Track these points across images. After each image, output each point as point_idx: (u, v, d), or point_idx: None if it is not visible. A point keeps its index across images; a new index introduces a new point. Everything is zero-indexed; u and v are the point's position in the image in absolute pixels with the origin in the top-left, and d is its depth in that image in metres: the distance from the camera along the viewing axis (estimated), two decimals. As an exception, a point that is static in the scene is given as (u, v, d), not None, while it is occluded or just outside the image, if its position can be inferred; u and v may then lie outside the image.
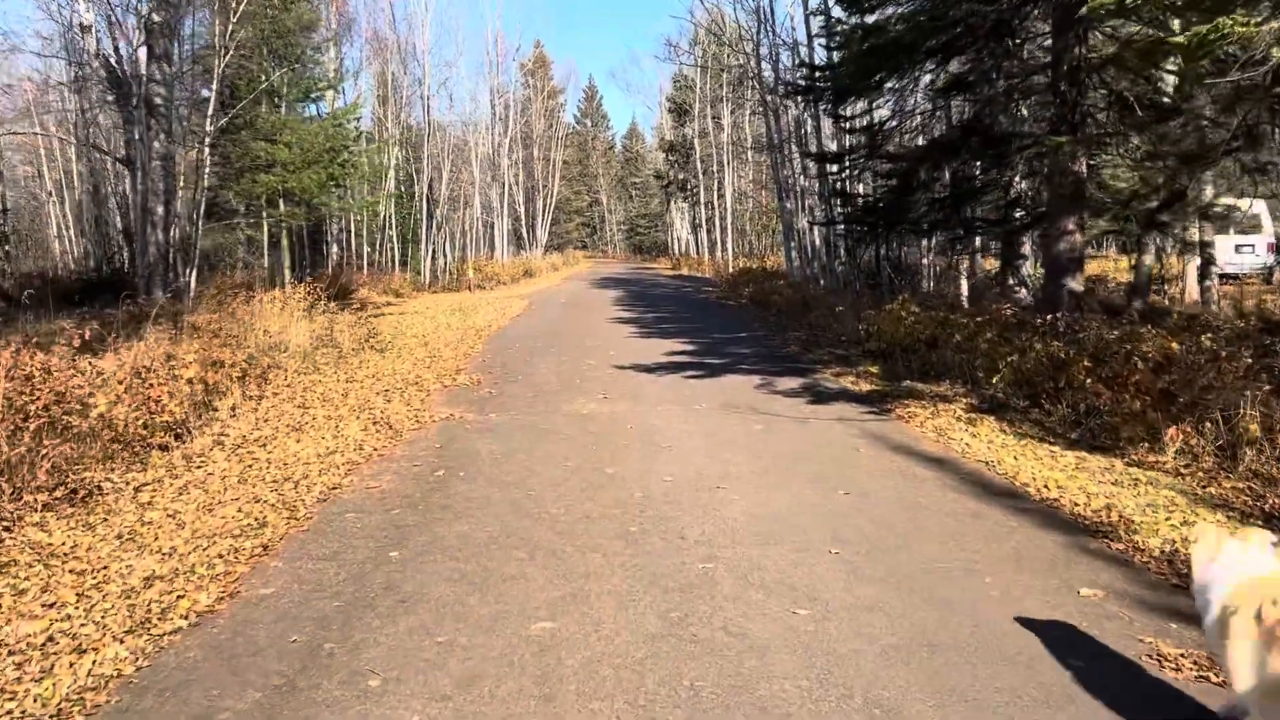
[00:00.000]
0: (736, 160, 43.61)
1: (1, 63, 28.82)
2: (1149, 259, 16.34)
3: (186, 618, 3.93)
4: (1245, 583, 2.80)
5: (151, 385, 7.56)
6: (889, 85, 14.08)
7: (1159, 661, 3.46)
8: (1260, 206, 21.22)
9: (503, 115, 44.67)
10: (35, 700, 3.20)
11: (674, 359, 12.36)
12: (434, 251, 32.73)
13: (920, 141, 15.97)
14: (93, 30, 15.59)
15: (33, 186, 35.93)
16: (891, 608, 3.97)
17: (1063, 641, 3.60)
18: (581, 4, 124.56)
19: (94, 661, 3.48)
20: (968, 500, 5.64)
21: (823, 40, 19.44)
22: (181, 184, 17.10)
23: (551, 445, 7.26)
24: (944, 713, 3.11)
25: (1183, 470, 6.14)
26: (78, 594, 4.16)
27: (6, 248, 25.31)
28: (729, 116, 40.88)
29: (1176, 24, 9.85)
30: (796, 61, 22.74)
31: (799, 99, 21.02)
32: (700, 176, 46.79)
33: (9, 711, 3.13)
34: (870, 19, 13.17)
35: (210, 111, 17.97)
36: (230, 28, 17.51)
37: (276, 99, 22.34)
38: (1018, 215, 14.37)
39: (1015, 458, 6.63)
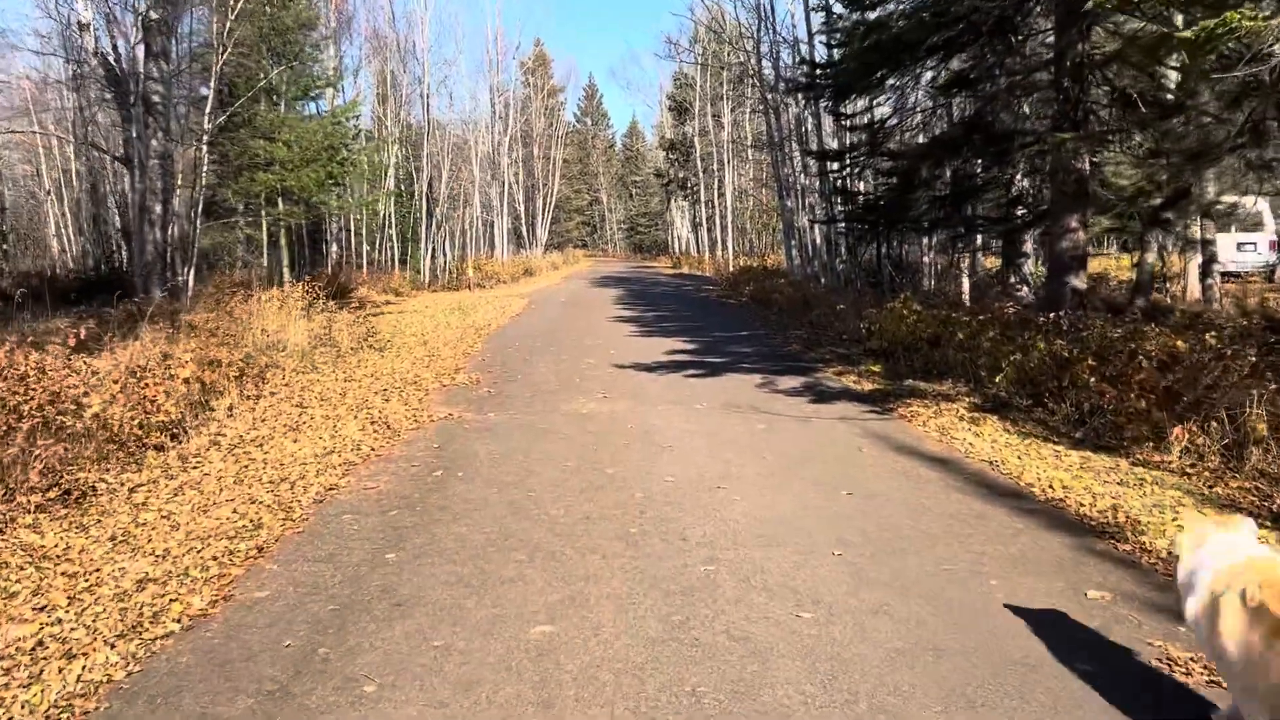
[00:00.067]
0: (737, 158, 43.55)
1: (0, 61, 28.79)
2: (1151, 257, 16.26)
3: (179, 621, 3.86)
4: (1231, 567, 2.85)
5: (147, 385, 7.49)
6: (890, 82, 14.04)
7: (1169, 665, 3.39)
8: (1262, 204, 21.15)
9: (502, 114, 44.58)
10: (23, 707, 3.13)
11: (674, 358, 12.29)
12: (433, 250, 32.65)
13: (921, 139, 15.92)
14: (91, 28, 15.51)
15: (31, 185, 35.88)
16: (896, 611, 3.91)
17: (1070, 644, 3.54)
18: (582, 2, 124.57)
19: (84, 667, 3.41)
20: (972, 501, 5.57)
21: (823, 38, 19.40)
22: (179, 182, 17.06)
23: (551, 445, 7.20)
24: (951, 718, 3.05)
25: (1188, 470, 6.08)
26: (69, 597, 4.09)
27: (4, 246, 25.29)
28: (729, 115, 40.83)
29: (1179, 20, 9.80)
30: (797, 59, 22.68)
31: (799, 96, 20.95)
32: (700, 175, 46.75)
33: (-4, 719, 3.07)
34: (872, 15, 13.11)
35: (209, 109, 17.91)
36: (229, 25, 17.44)
37: (275, 97, 22.27)
38: (1019, 213, 14.33)
39: (1019, 458, 6.57)
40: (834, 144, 20.87)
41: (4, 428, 5.65)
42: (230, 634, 3.77)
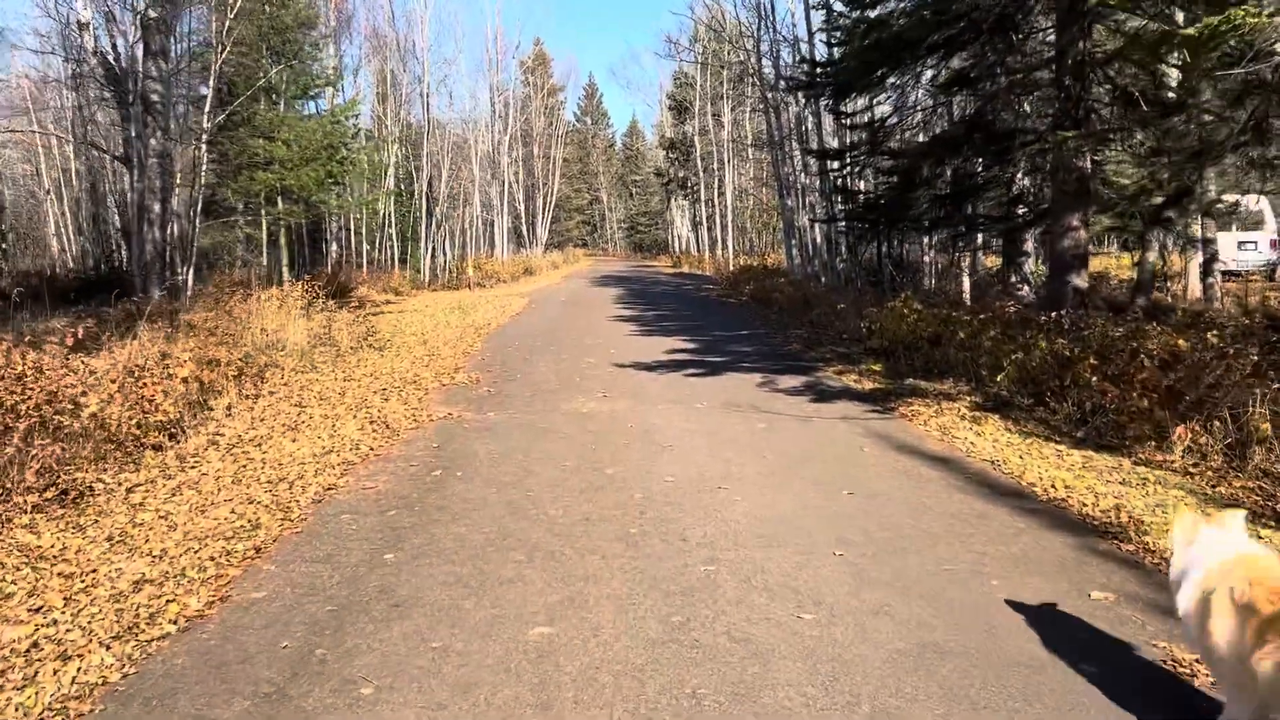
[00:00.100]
0: (737, 158, 43.52)
1: (-1, 60, 28.75)
2: (1152, 256, 16.23)
3: (175, 623, 3.83)
4: (1221, 564, 2.87)
5: (145, 384, 7.46)
6: (891, 81, 14.00)
7: (1173, 666, 3.36)
8: (1263, 203, 21.14)
9: (502, 113, 44.55)
10: (17, 709, 3.11)
11: (675, 357, 12.26)
12: (433, 249, 32.61)
13: (921, 138, 15.88)
14: (90, 27, 15.49)
15: (31, 184, 35.84)
16: (898, 612, 3.87)
17: (1074, 646, 3.51)
18: (581, 1, 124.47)
19: (79, 669, 3.39)
20: (974, 501, 5.54)
21: (823, 36, 19.38)
22: (179, 181, 17.02)
23: (550, 445, 7.17)
24: (954, 722, 3.02)
25: (1191, 469, 6.05)
26: (65, 598, 4.06)
27: (3, 246, 25.24)
28: (729, 114, 40.80)
29: (1181, 17, 9.77)
30: (797, 58, 22.64)
31: (800, 95, 20.92)
32: (700, 174, 46.71)
33: (-10, 721, 3.04)
34: (873, 13, 13.07)
35: (208, 108, 17.89)
36: (228, 24, 17.41)
37: (274, 96, 22.25)
38: (1020, 212, 14.28)
39: (1021, 457, 6.54)
40: (834, 143, 20.84)
41: (1, 427, 5.62)
42: (227, 635, 3.74)
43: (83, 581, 4.27)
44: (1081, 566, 4.38)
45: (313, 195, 21.56)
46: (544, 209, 53.65)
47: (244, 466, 6.47)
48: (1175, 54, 8.76)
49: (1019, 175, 14.35)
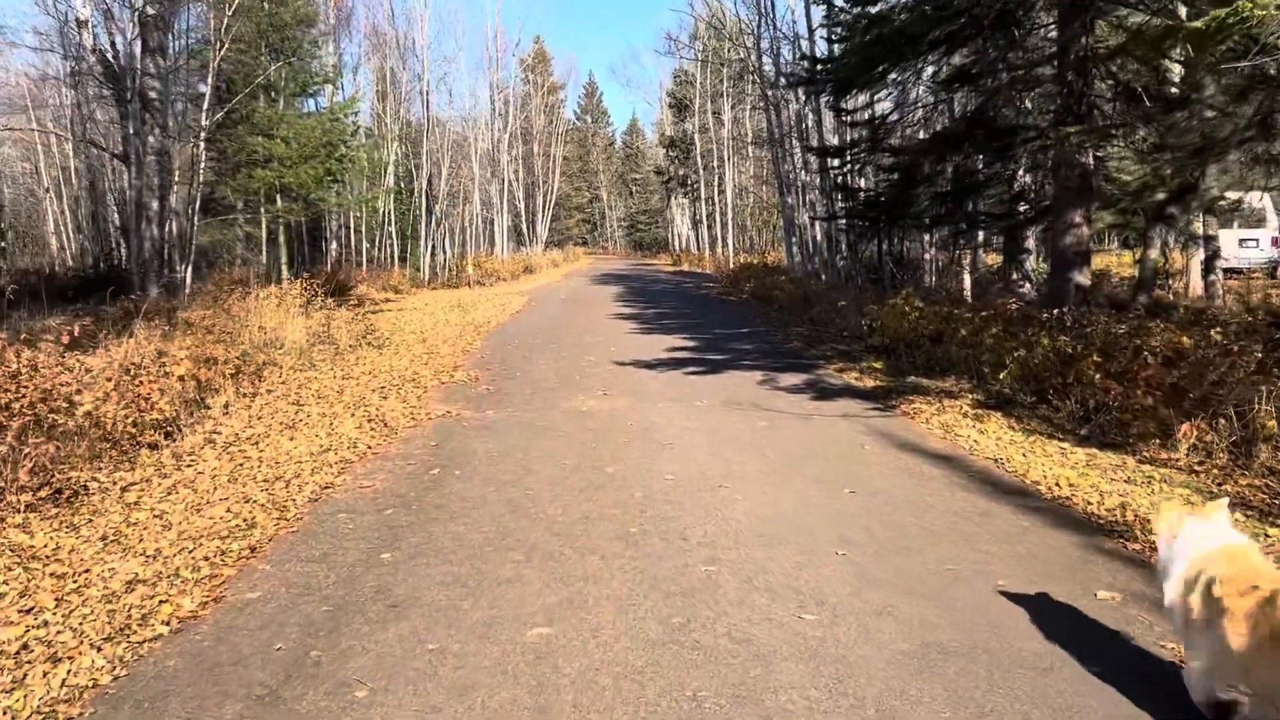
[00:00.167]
0: (737, 155, 43.42)
1: (-3, 59, 28.68)
2: (1154, 253, 16.17)
3: (168, 624, 3.78)
4: (1204, 555, 2.94)
5: (141, 382, 7.40)
6: (892, 77, 13.92)
7: (1184, 666, 3.30)
8: (1265, 200, 21.07)
9: (502, 111, 44.45)
10: (5, 713, 3.05)
11: (675, 355, 12.20)
12: (433, 248, 32.53)
13: (922, 135, 15.81)
14: (89, 24, 15.43)
15: (30, 183, 35.78)
16: (901, 612, 3.82)
17: (1081, 646, 3.45)
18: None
19: (69, 671, 3.33)
20: (977, 499, 5.49)
21: (824, 33, 19.29)
22: (177, 179, 16.95)
23: (550, 443, 7.11)
24: (960, 725, 2.96)
25: (1196, 467, 6.00)
26: (57, 599, 4.01)
27: (2, 244, 25.18)
28: (729, 112, 40.70)
29: (1183, 11, 9.71)
30: (797, 55, 22.56)
31: (800, 91, 20.85)
32: (701, 172, 46.62)
33: (-23, 725, 2.99)
34: (874, 9, 12.99)
35: (206, 106, 17.82)
36: (226, 21, 17.34)
37: (273, 94, 22.16)
38: (1022, 209, 14.21)
39: (1024, 455, 6.48)
40: (835, 140, 20.76)
41: (-6, 426, 5.57)
42: (220, 636, 3.68)
43: (75, 582, 4.21)
44: (1087, 566, 4.32)
45: (312, 193, 21.47)
46: (544, 207, 53.58)
47: (240, 465, 6.42)
48: (1179, 49, 8.71)
49: (1020, 172, 14.28)
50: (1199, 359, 7.13)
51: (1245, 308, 12.30)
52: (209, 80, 17.87)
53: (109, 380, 7.19)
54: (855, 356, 11.69)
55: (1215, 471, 5.83)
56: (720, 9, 33.79)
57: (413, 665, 3.40)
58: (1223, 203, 16.29)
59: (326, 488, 5.88)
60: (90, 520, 5.16)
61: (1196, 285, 17.55)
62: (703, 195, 48.47)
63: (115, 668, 3.39)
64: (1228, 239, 20.09)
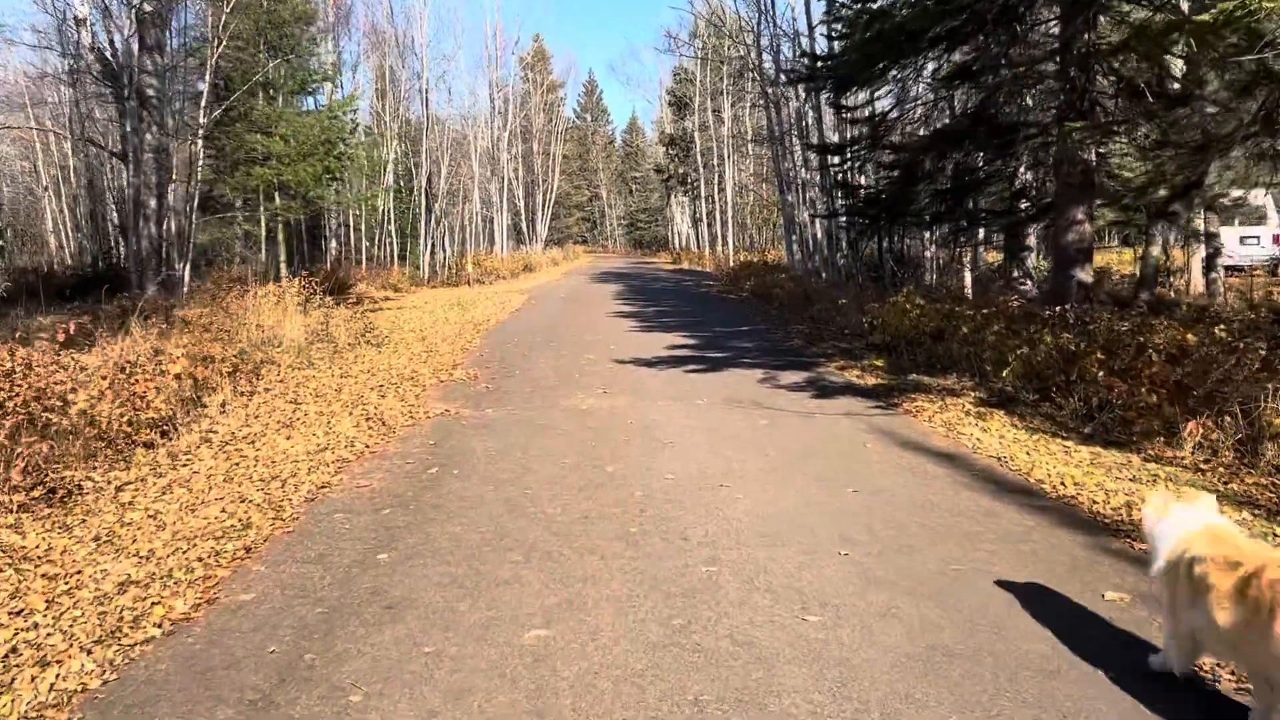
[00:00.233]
0: (737, 153, 43.33)
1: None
2: (1156, 250, 16.11)
3: (160, 626, 3.72)
4: (1187, 536, 3.08)
5: (137, 381, 7.34)
6: (893, 74, 13.84)
7: (1195, 669, 3.24)
8: (1266, 198, 21.01)
9: (502, 109, 44.39)
10: (-8, 718, 2.99)
11: (675, 353, 12.14)
12: (433, 246, 32.47)
13: (923, 132, 15.72)
14: (88, 22, 15.37)
15: (29, 181, 35.69)
16: (906, 613, 3.75)
17: (1088, 648, 3.39)
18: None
19: (58, 675, 3.27)
20: (981, 498, 5.42)
21: (824, 30, 19.21)
22: (175, 177, 16.88)
23: (549, 442, 7.04)
24: (966, 729, 2.90)
25: (1202, 465, 5.93)
26: (47, 601, 3.94)
27: (1, 243, 25.12)
28: (729, 110, 40.61)
29: (1186, 6, 9.64)
30: (798, 52, 22.48)
31: (800, 88, 20.78)
32: (700, 170, 46.54)
33: (-37, 730, 2.93)
34: (875, 4, 12.91)
35: (204, 103, 17.75)
36: (224, 18, 17.27)
37: (272, 91, 22.10)
38: (1023, 206, 14.15)
39: (1028, 453, 6.42)
40: (835, 138, 20.68)
41: (-14, 425, 5.50)
42: (213, 639, 3.62)
43: (66, 583, 4.15)
44: (1094, 566, 4.26)
45: (310, 191, 21.40)
46: (544, 206, 53.52)
47: (236, 464, 6.36)
48: (1181, 45, 8.63)
49: (1022, 169, 14.22)
50: (1203, 356, 7.06)
51: (1248, 305, 12.24)
52: (207, 78, 17.81)
53: (104, 379, 7.12)
54: (856, 354, 11.62)
55: (1221, 470, 5.77)
56: (720, 6, 33.74)
57: (409, 668, 3.34)
58: (1224, 200, 16.23)
59: (323, 487, 5.82)
60: (83, 520, 5.10)
61: (1198, 282, 17.50)
62: (702, 193, 48.40)
63: (105, 671, 3.33)
64: (1229, 237, 20.04)
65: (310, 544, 4.74)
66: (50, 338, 7.79)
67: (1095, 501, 5.23)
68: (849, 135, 19.69)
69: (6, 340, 6.97)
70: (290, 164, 19.84)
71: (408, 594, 4.03)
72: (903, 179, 13.87)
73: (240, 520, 5.10)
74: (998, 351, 9.06)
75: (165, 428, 7.20)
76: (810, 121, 22.29)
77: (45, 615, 3.79)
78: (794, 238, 24.46)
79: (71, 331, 8.03)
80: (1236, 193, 16.91)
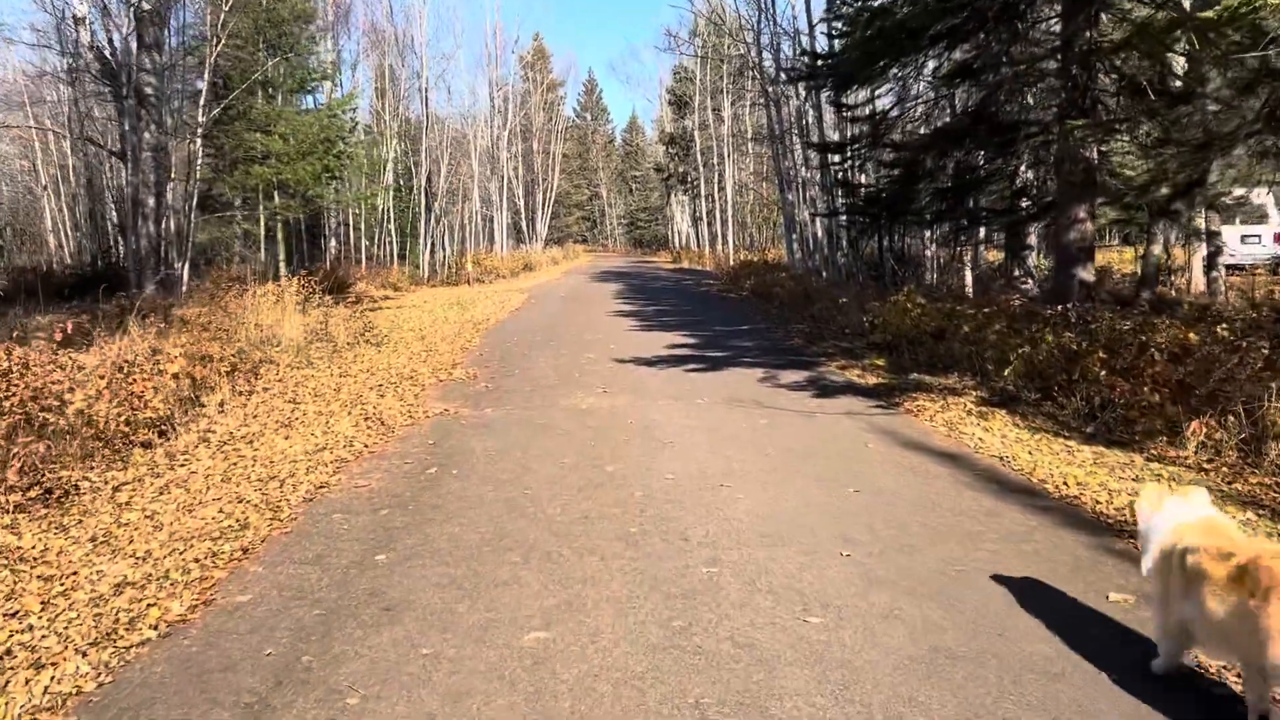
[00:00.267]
0: (737, 152, 43.29)
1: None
2: (1157, 249, 16.08)
3: (156, 628, 3.68)
4: (1180, 527, 3.13)
5: (135, 380, 7.30)
6: (893, 72, 13.79)
7: (1202, 672, 3.21)
8: (1267, 197, 20.97)
9: (502, 108, 44.34)
10: (-15, 721, 2.96)
11: (675, 352, 12.10)
12: (432, 245, 32.44)
13: (923, 131, 15.68)
14: (87, 21, 15.32)
15: (28, 180, 35.65)
16: (908, 614, 3.72)
17: (1093, 650, 3.35)
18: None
19: (52, 677, 3.24)
20: (983, 498, 5.39)
21: (824, 28, 19.17)
22: (173, 175, 16.83)
23: (549, 441, 7.01)
24: (970, 733, 2.87)
25: (1205, 465, 5.90)
26: (43, 602, 3.91)
27: (0, 242, 25.07)
28: (729, 108, 40.55)
29: (1187, 4, 9.60)
30: (798, 51, 22.44)
31: (800, 87, 20.75)
32: (700, 169, 46.49)
33: (-44, 734, 2.89)
34: (876, 1, 12.86)
35: (203, 102, 17.71)
36: (223, 17, 17.23)
37: (271, 90, 22.05)
38: (1024, 205, 14.11)
39: (1030, 453, 6.38)
40: (835, 136, 20.64)
41: (-18, 425, 5.47)
42: (209, 641, 3.58)
43: (62, 585, 4.12)
44: (1097, 567, 4.22)
45: (309, 190, 21.37)
46: (543, 205, 53.47)
47: (234, 464, 6.32)
48: (1183, 42, 8.59)
49: (1022, 168, 14.17)
50: (1205, 355, 7.04)
51: (1250, 304, 12.21)
52: (206, 76, 17.76)
53: (102, 378, 7.09)
54: (857, 353, 11.59)
55: (1225, 470, 5.74)
56: (720, 5, 33.67)
57: (406, 671, 3.31)
58: (1225, 199, 16.19)
59: (321, 487, 5.79)
60: (80, 521, 5.07)
61: (1199, 281, 17.47)
62: (702, 192, 48.35)
63: (100, 674, 3.30)
64: (1230, 235, 20.00)
65: (308, 545, 4.70)
66: (48, 337, 7.77)
67: (1098, 502, 5.20)
68: (849, 134, 19.63)
69: (4, 340, 6.92)
70: (289, 163, 19.79)
71: (406, 595, 4.00)
72: (903, 178, 13.83)
73: (238, 521, 5.07)
74: (999, 350, 9.02)
75: (163, 427, 7.17)
76: (810, 120, 22.25)
77: (40, 617, 3.76)
78: (794, 236, 24.43)
79: (69, 331, 8.01)
80: (1239, 191, 16.86)
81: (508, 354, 12.13)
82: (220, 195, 22.83)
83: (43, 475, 5.53)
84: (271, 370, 10.04)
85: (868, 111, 16.95)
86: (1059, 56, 10.69)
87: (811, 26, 21.06)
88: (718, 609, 3.79)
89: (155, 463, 6.36)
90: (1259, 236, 21.94)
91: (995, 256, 22.08)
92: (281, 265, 22.34)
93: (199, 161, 17.57)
